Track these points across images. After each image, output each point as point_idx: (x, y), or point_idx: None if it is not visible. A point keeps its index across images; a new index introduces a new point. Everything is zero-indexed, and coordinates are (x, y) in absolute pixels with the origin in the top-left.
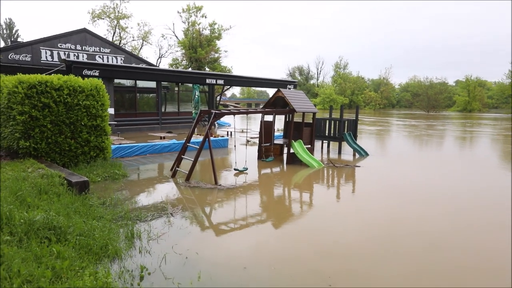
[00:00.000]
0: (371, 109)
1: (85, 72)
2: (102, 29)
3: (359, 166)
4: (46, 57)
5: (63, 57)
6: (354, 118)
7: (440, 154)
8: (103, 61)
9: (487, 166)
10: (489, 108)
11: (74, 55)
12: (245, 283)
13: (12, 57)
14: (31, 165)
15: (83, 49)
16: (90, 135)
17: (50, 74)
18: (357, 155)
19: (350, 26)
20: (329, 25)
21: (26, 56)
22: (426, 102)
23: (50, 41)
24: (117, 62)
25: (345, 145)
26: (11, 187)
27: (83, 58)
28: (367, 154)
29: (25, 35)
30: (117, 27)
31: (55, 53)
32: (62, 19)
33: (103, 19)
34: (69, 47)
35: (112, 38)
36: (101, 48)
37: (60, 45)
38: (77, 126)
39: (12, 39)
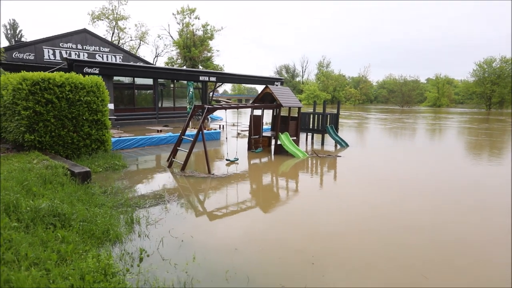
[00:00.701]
0: (351, 104)
1: (86, 70)
2: (101, 29)
3: (340, 156)
4: (48, 56)
5: (65, 56)
6: (336, 112)
7: (412, 144)
8: (102, 59)
9: (453, 155)
10: (456, 103)
11: (75, 54)
12: (236, 262)
13: (16, 55)
14: (36, 157)
15: (84, 48)
16: (91, 129)
17: (52, 71)
18: (338, 146)
19: (333, 28)
20: (314, 27)
21: (29, 55)
22: (401, 98)
23: (52, 41)
24: (116, 61)
25: (327, 137)
26: (17, 178)
27: (84, 56)
28: (347, 145)
29: (28, 35)
30: (115, 27)
31: (57, 52)
32: (63, 20)
33: (102, 20)
34: (70, 47)
35: (111, 38)
36: (101, 48)
37: (62, 45)
38: (79, 120)
39: (16, 39)
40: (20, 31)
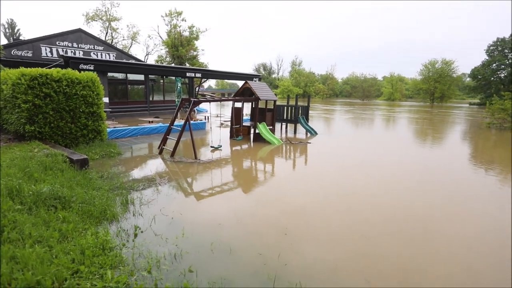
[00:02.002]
0: (320, 98)
1: (81, 66)
2: (95, 29)
3: (310, 143)
4: (46, 53)
5: (61, 53)
6: (306, 105)
7: (371, 132)
8: (97, 57)
9: (405, 141)
10: (406, 97)
11: (71, 51)
12: (219, 236)
13: (14, 53)
14: (37, 146)
15: (79, 46)
16: (88, 120)
17: (49, 68)
18: (308, 134)
19: (304, 30)
20: (288, 31)
21: (27, 52)
22: (361, 93)
23: (49, 39)
24: (109, 58)
25: (299, 126)
26: (19, 165)
27: (79, 54)
28: (316, 133)
29: (26, 34)
30: (109, 28)
31: (54, 50)
32: (59, 21)
33: (96, 21)
34: (66, 45)
35: (105, 38)
36: (95, 46)
37: (58, 43)
38: (76, 112)
39: (14, 38)
40: (18, 30)
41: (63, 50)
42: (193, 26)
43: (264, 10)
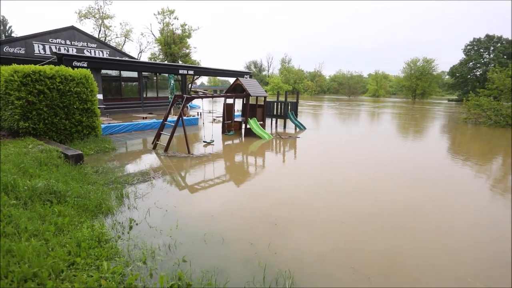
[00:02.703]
0: (309, 95)
1: (75, 63)
2: (88, 27)
3: (299, 137)
4: (39, 50)
5: (54, 50)
6: (295, 101)
7: (357, 127)
8: (90, 54)
9: (389, 135)
10: (390, 94)
11: (64, 49)
12: (212, 227)
13: (6, 50)
14: (31, 142)
15: (72, 44)
16: (82, 116)
17: (43, 65)
18: (297, 129)
19: (293, 29)
20: (278, 29)
21: (20, 49)
22: (348, 89)
23: (42, 36)
24: (103, 56)
25: (288, 122)
26: (14, 161)
27: (72, 51)
28: (305, 128)
29: (18, 32)
30: (102, 25)
31: (47, 47)
32: (51, 18)
33: (89, 18)
34: (59, 42)
35: (98, 35)
36: (88, 44)
37: (51, 40)
38: (70, 109)
39: (6, 35)
40: (10, 27)
41: (56, 47)
42: (185, 24)
43: (255, 10)
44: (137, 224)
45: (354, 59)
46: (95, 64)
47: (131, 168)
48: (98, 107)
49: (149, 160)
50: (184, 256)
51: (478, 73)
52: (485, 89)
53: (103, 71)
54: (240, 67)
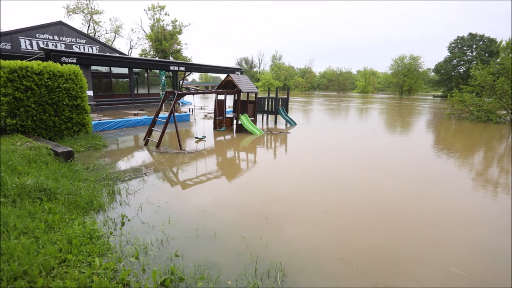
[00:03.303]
0: (299, 91)
1: (63, 59)
2: (77, 22)
3: (289, 133)
4: (25, 46)
5: (42, 46)
6: (286, 97)
7: (346, 122)
8: (79, 50)
9: (378, 130)
10: (378, 90)
11: (52, 44)
12: (204, 221)
13: None
14: (19, 140)
15: (60, 39)
16: (72, 113)
17: (30, 60)
18: (288, 125)
19: (284, 26)
20: (268, 25)
21: (6, 44)
22: (337, 86)
23: (29, 32)
24: (92, 52)
25: (279, 117)
26: (1, 158)
27: (60, 47)
28: (295, 124)
29: (3, 26)
30: (91, 21)
31: (34, 42)
32: (38, 13)
33: (77, 13)
34: (47, 38)
35: (87, 31)
36: (77, 39)
37: (39, 35)
38: (59, 105)
39: None
40: None
41: (43, 43)
42: (176, 21)
43: (245, 7)
44: (129, 220)
45: (344, 56)
46: (85, 60)
47: (122, 164)
48: (88, 104)
49: (141, 157)
50: (176, 250)
51: (462, 70)
52: (468, 86)
53: (93, 68)
54: (231, 64)
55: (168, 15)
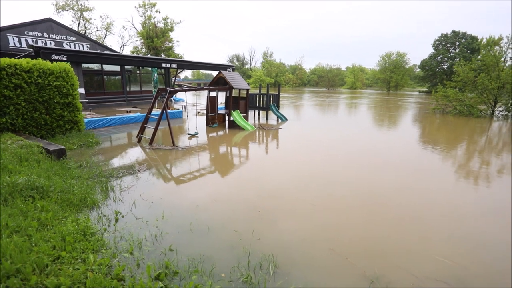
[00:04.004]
0: (290, 87)
1: (53, 57)
2: (67, 19)
3: (281, 128)
4: (14, 43)
5: (31, 43)
6: (277, 93)
7: (336, 117)
8: (70, 48)
9: (365, 124)
10: (366, 86)
11: (42, 42)
12: (198, 216)
13: None
14: (10, 138)
15: (50, 36)
16: (63, 111)
17: (19, 58)
18: (279, 120)
19: (274, 23)
20: (259, 22)
21: None
22: (327, 82)
23: (17, 29)
24: (83, 49)
25: (270, 113)
26: None
27: (50, 45)
28: (286, 119)
29: None
30: (81, 18)
31: (22, 39)
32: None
33: (67, 10)
34: (36, 35)
35: (77, 28)
36: (67, 37)
37: (27, 33)
38: (50, 103)
39: None
40: None
41: (32, 40)
42: (168, 18)
43: (237, 4)
44: (123, 216)
45: (333, 53)
46: (75, 58)
47: (116, 161)
48: (80, 102)
49: (134, 153)
50: (170, 245)
51: (446, 66)
52: (451, 81)
53: (84, 65)
54: (223, 61)
55: (159, 12)
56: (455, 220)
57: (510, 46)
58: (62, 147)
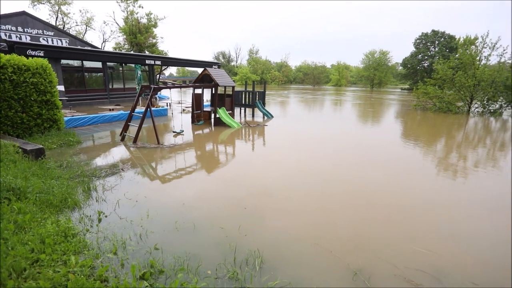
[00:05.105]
0: (276, 85)
1: (29, 52)
2: (44, 13)
3: (267, 125)
4: None
5: (4, 38)
6: (263, 91)
7: (321, 114)
8: (47, 43)
9: (350, 120)
10: (351, 83)
11: (16, 36)
12: (183, 214)
13: None
14: None
15: (25, 31)
16: (41, 109)
17: None
18: (265, 117)
19: (260, 20)
20: (245, 19)
21: None
22: (312, 79)
23: None
24: (62, 45)
25: (256, 110)
26: None
27: (26, 39)
28: (272, 116)
29: None
30: (59, 12)
31: None
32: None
33: (43, 3)
34: (9, 29)
35: (55, 22)
36: (44, 31)
37: (0, 27)
38: (27, 101)
39: None
40: None
41: (6, 35)
42: (151, 13)
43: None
44: (106, 216)
45: (319, 51)
46: (53, 53)
47: (98, 161)
48: (60, 99)
49: (118, 152)
50: (156, 244)
51: (426, 64)
52: (431, 79)
53: (64, 61)
54: (209, 58)
55: (142, 7)
56: (436, 213)
57: (485, 46)
58: (41, 146)
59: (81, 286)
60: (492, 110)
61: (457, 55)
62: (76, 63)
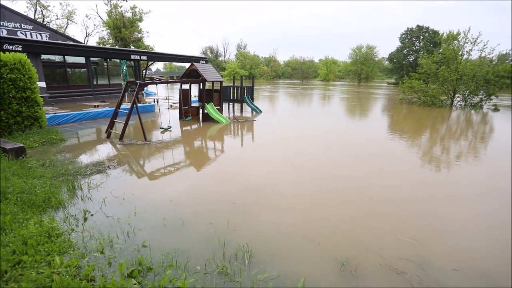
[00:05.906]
0: (264, 80)
1: (6, 47)
2: (21, 6)
3: (255, 120)
4: None
5: None
6: (251, 86)
7: (309, 109)
8: (26, 37)
9: (338, 114)
10: (339, 78)
11: None
12: (172, 211)
13: None
14: None
15: (2, 24)
16: (21, 106)
17: None
18: (254, 112)
19: (248, 15)
20: (232, 13)
21: None
22: (301, 74)
23: None
24: (42, 39)
25: (245, 105)
26: None
27: (2, 33)
28: (261, 111)
29: None
30: (37, 5)
31: None
32: None
33: None
34: None
35: (34, 16)
36: (22, 25)
37: None
38: (4, 98)
39: None
40: None
41: None
42: (136, 7)
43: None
44: (92, 215)
45: (307, 45)
46: (33, 48)
47: (83, 158)
48: (41, 96)
49: (103, 150)
50: (144, 241)
51: (411, 59)
52: (416, 73)
53: (44, 57)
54: (197, 53)
55: (126, 0)
56: (421, 204)
57: (467, 41)
58: (21, 145)
59: (66, 287)
60: (473, 104)
61: (440, 50)
62: (57, 58)
